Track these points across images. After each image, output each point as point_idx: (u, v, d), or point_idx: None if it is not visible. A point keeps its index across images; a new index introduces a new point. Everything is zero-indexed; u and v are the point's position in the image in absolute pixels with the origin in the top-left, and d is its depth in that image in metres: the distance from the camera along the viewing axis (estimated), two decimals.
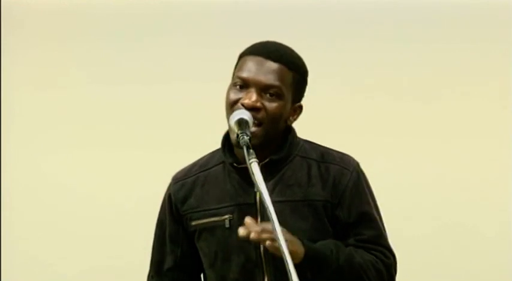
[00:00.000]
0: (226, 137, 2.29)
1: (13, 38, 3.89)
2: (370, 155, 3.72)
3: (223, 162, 2.31)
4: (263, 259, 2.23)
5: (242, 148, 2.09)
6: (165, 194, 2.38)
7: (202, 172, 2.33)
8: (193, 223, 2.30)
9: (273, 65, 2.21)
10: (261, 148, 2.17)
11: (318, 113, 3.75)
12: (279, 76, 2.21)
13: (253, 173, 2.04)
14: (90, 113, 3.88)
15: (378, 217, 2.32)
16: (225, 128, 2.27)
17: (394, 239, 3.68)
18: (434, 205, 3.76)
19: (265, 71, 2.20)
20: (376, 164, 3.70)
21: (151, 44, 3.84)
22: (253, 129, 2.17)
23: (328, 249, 2.17)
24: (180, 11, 3.82)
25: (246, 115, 2.16)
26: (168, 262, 2.36)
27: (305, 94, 2.32)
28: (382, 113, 3.80)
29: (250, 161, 2.05)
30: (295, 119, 2.30)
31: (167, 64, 3.82)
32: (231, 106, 2.21)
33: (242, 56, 2.27)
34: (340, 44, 3.81)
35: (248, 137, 2.11)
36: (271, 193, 2.14)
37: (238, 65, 2.25)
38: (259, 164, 2.05)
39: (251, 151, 2.08)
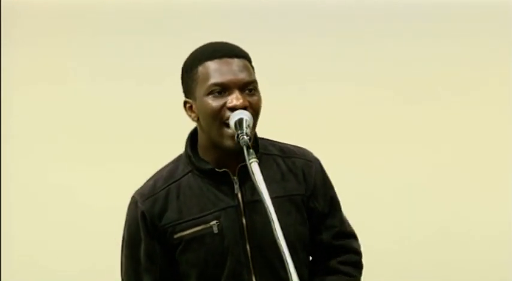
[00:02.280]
0: (191, 146, 2.30)
1: (13, 36, 3.89)
2: (369, 155, 3.73)
3: (190, 171, 2.29)
4: (250, 261, 2.24)
5: (238, 150, 2.12)
6: (134, 213, 2.31)
7: (171, 184, 2.30)
8: (177, 236, 2.26)
9: (240, 62, 2.22)
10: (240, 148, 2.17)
11: (317, 114, 3.77)
12: (249, 71, 2.23)
13: (253, 173, 2.06)
14: (90, 112, 3.87)
15: (339, 199, 2.42)
16: None
17: (393, 238, 3.72)
18: (434, 205, 3.75)
19: (238, 69, 2.20)
20: (375, 164, 3.72)
21: (155, 42, 3.83)
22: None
23: None
24: (179, 9, 3.83)
25: (245, 115, 2.16)
26: None
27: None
28: (380, 113, 3.80)
29: (251, 161, 2.07)
30: None
31: (170, 62, 3.82)
32: (217, 115, 2.19)
33: (198, 64, 2.22)
34: (338, 43, 3.80)
35: (248, 137, 2.11)
36: (252, 192, 2.21)
37: (202, 74, 2.21)
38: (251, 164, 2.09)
39: (251, 150, 2.09)
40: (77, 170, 3.87)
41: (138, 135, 3.82)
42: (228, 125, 2.17)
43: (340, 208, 2.41)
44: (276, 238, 1.97)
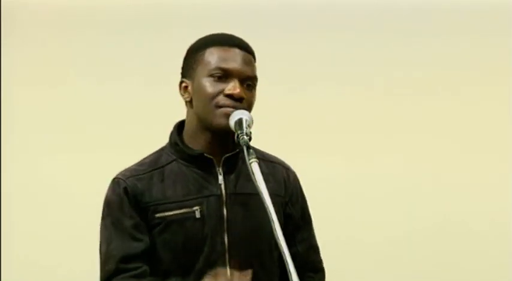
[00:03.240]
0: (178, 134, 2.33)
1: (13, 36, 3.89)
2: (367, 154, 3.74)
3: (175, 160, 2.30)
4: (227, 251, 2.24)
5: (222, 131, 2.16)
6: (116, 190, 2.29)
7: (155, 169, 2.31)
8: (158, 215, 2.25)
9: (247, 56, 2.26)
10: (226, 137, 2.20)
11: (316, 112, 3.78)
12: (254, 67, 2.27)
13: (253, 173, 2.07)
14: (90, 112, 3.88)
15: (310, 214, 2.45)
16: None
17: (392, 238, 3.72)
18: (433, 205, 3.75)
19: (245, 62, 2.24)
20: (373, 164, 3.72)
21: (155, 43, 3.84)
22: None
23: None
24: (181, 9, 3.83)
25: (245, 115, 2.18)
26: (137, 248, 2.24)
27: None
28: (380, 112, 3.80)
29: (250, 161, 2.08)
30: None
31: (169, 64, 3.82)
32: (212, 98, 2.22)
33: (207, 46, 2.25)
34: (336, 42, 3.81)
35: (248, 137, 2.13)
36: (235, 185, 2.24)
37: (208, 56, 2.24)
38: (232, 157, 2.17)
39: (251, 151, 2.10)
40: (77, 170, 3.87)
41: (139, 135, 3.82)
42: (221, 107, 2.20)
43: (312, 222, 2.43)
44: (276, 238, 1.97)
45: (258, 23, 3.77)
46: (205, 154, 2.26)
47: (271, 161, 2.38)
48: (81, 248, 3.79)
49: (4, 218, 3.85)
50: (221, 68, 2.22)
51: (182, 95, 2.31)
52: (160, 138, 3.72)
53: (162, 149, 2.36)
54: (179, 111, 3.71)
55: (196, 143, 2.28)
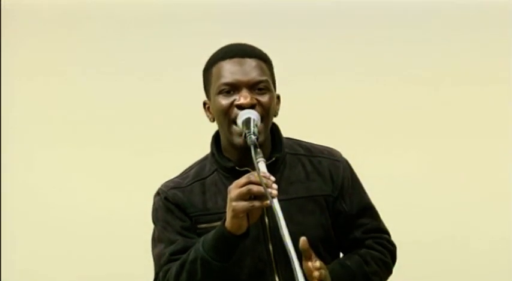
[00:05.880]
0: (216, 145, 2.33)
1: (15, 32, 3.89)
2: (368, 154, 3.73)
3: (216, 170, 2.32)
4: (273, 258, 2.24)
5: (249, 147, 2.11)
6: (159, 201, 2.34)
7: (197, 181, 2.33)
8: (201, 226, 2.28)
9: (252, 62, 2.26)
10: (260, 146, 2.18)
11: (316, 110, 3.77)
12: (261, 70, 2.26)
13: (259, 173, 2.04)
14: (89, 110, 3.87)
15: (373, 204, 2.40)
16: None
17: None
18: (432, 204, 3.75)
19: (248, 69, 2.25)
20: (373, 164, 3.71)
21: (154, 42, 3.83)
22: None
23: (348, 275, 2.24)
24: (182, 5, 3.83)
25: (253, 114, 2.18)
26: (188, 243, 2.25)
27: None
28: (382, 112, 3.80)
29: (258, 160, 2.08)
30: (278, 109, 2.34)
31: (170, 61, 3.82)
32: (226, 113, 2.23)
33: (212, 65, 2.29)
34: (340, 44, 3.81)
35: (255, 136, 2.13)
36: None
37: (215, 74, 2.27)
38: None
39: (258, 150, 2.10)
40: (76, 170, 3.87)
41: (139, 133, 3.81)
42: (236, 123, 2.21)
43: (373, 211, 2.39)
44: (283, 238, 1.96)
45: (257, 25, 3.77)
46: (237, 168, 2.26)
47: (318, 156, 2.36)
48: (80, 249, 3.81)
49: (4, 217, 3.85)
50: (226, 84, 2.24)
51: (207, 116, 2.33)
52: (158, 138, 3.74)
53: (206, 157, 2.38)
54: (176, 110, 3.72)
55: (231, 155, 2.29)
